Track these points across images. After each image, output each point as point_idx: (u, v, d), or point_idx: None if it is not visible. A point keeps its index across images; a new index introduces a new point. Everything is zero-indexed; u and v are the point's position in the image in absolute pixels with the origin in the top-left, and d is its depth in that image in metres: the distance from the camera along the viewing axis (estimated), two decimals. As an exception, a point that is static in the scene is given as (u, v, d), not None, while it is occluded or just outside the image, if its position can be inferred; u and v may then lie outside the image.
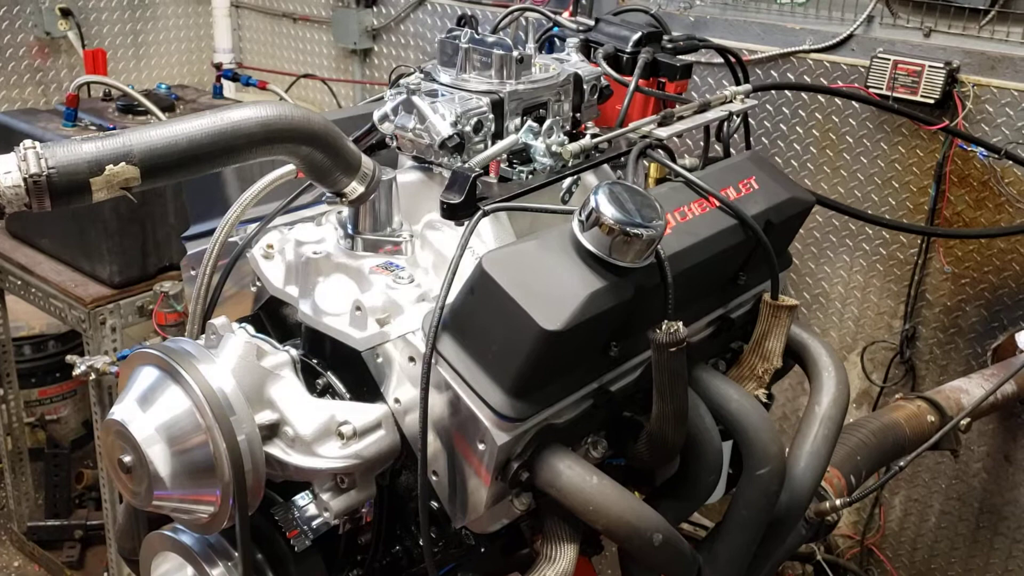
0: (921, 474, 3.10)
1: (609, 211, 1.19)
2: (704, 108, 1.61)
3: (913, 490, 3.14)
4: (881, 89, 2.74)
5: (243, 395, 1.23)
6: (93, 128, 2.91)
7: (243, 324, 1.36)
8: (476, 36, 1.45)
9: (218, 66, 3.84)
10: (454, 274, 1.21)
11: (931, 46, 2.73)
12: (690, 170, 1.48)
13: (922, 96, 2.69)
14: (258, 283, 1.49)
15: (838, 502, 1.85)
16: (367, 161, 1.35)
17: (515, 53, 1.43)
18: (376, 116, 1.46)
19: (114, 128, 2.85)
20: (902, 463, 1.96)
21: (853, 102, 2.88)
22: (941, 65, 2.65)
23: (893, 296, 2.99)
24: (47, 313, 2.99)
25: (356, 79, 3.99)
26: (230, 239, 1.50)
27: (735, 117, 1.65)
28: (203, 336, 1.34)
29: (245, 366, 1.26)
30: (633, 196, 1.22)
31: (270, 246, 1.48)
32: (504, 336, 1.17)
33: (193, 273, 1.58)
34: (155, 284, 2.83)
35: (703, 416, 1.40)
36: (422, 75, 1.53)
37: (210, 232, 1.53)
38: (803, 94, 2.96)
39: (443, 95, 1.44)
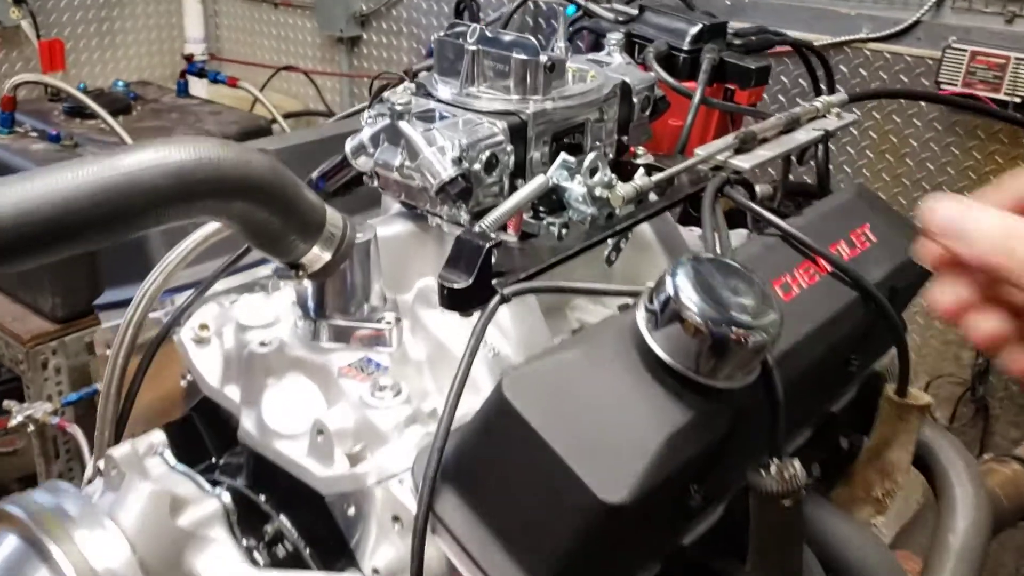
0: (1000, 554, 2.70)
1: (696, 302, 0.78)
2: (792, 126, 1.20)
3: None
4: (956, 85, 2.33)
5: (145, 574, 0.82)
6: (34, 135, 2.49)
7: (159, 450, 0.96)
8: (488, 34, 1.04)
9: (188, 58, 3.42)
10: (458, 395, 0.81)
11: (1016, 34, 2.31)
12: (769, 205, 1.07)
13: (1005, 94, 2.28)
14: (189, 376, 1.09)
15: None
16: (334, 216, 0.94)
17: (543, 58, 1.02)
18: (349, 147, 1.05)
19: (58, 135, 2.43)
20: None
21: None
22: (1033, 57, 2.24)
23: (962, 323, 2.59)
24: (-20, 351, 2.58)
25: (342, 71, 3.57)
26: (152, 314, 1.10)
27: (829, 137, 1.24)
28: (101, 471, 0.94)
29: (152, 527, 0.85)
30: (728, 276, 0.82)
31: (204, 326, 1.07)
32: (539, 505, 0.76)
33: (109, 353, 1.18)
34: (107, 316, 2.42)
35: (811, 569, 1.00)
36: (412, 87, 1.11)
37: (129, 302, 1.12)
38: (858, 89, 2.55)
39: (442, 117, 1.03)
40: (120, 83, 2.87)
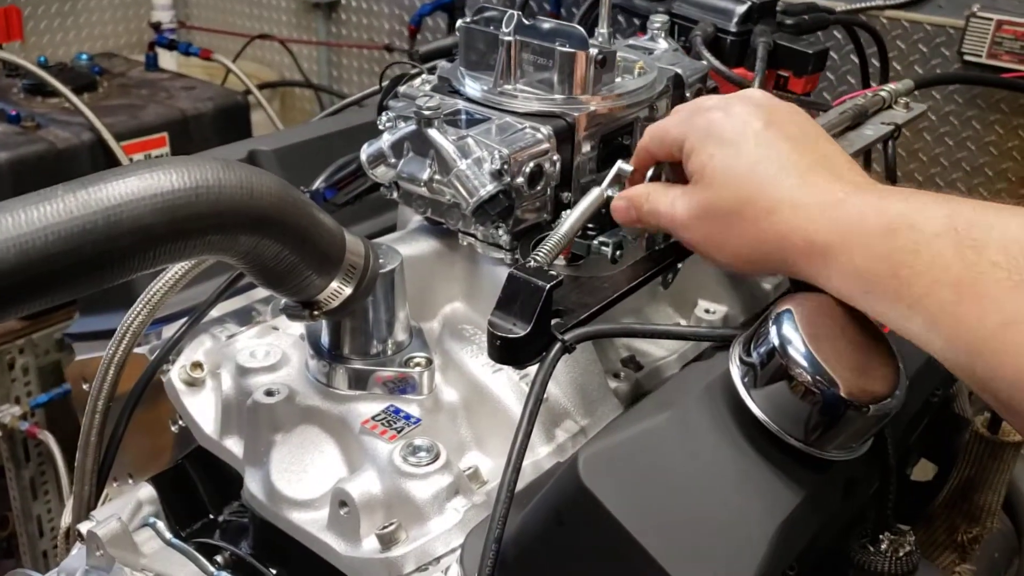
0: None
1: (807, 357, 0.64)
2: (860, 119, 1.06)
3: None
4: (980, 57, 2.20)
5: None
6: (-10, 115, 2.30)
7: (149, 519, 0.81)
8: (526, 22, 0.89)
9: (156, 26, 3.21)
10: (517, 469, 0.67)
11: (1045, 1, 2.19)
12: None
13: (1033, 65, 2.16)
14: (181, 421, 0.94)
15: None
16: (355, 244, 0.79)
17: (594, 50, 0.87)
18: (366, 155, 0.89)
19: (18, 115, 2.24)
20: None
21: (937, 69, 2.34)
22: (1062, 27, 2.11)
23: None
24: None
25: (320, 39, 3.38)
26: (136, 349, 0.94)
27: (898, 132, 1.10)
28: (79, 545, 0.79)
29: (148, 628, 0.71)
30: (839, 319, 0.68)
31: (197, 365, 0.92)
32: (626, 612, 0.63)
33: (86, 387, 1.03)
34: (77, 310, 2.24)
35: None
36: (432, 80, 0.96)
37: (107, 333, 0.97)
38: (875, 60, 2.41)
39: (472, 120, 0.88)
40: (84, 56, 2.66)
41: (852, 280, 0.62)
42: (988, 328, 0.54)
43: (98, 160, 2.21)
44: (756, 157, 0.68)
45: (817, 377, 0.64)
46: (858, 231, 0.61)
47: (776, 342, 0.66)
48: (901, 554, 0.72)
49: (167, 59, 2.94)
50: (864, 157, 1.55)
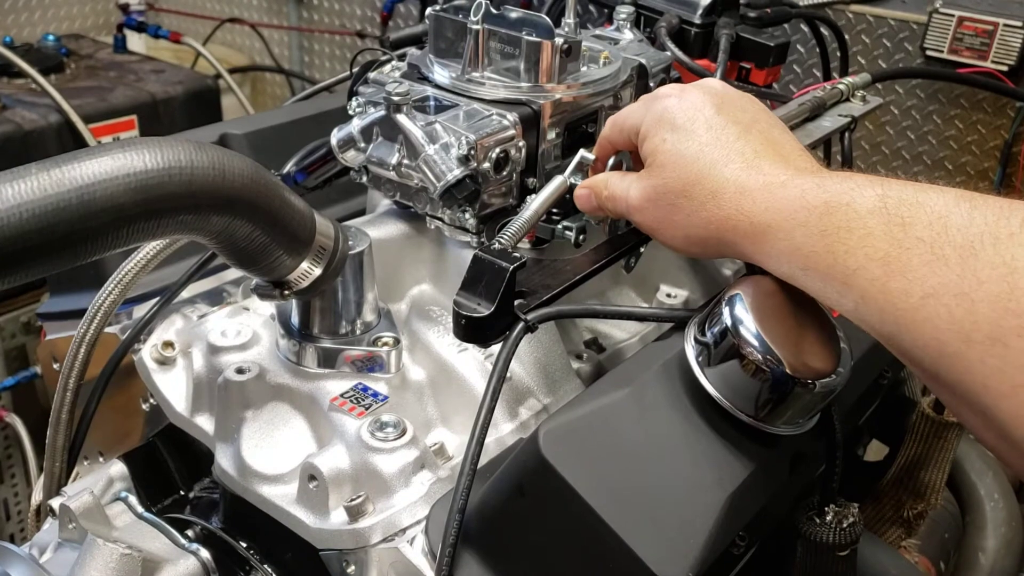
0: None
1: (757, 337, 0.68)
2: (818, 111, 1.10)
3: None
4: (941, 52, 2.25)
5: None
6: (-45, 96, 2.28)
7: (121, 493, 0.83)
8: (493, 11, 0.91)
9: (124, 7, 3.19)
10: (480, 443, 0.69)
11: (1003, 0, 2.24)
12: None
13: (993, 61, 2.21)
14: (152, 400, 0.96)
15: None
16: (325, 226, 0.81)
17: (559, 40, 0.89)
18: (336, 140, 0.91)
19: (-17, 96, 2.23)
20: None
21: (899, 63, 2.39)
22: (1020, 23, 2.16)
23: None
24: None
25: (291, 24, 3.37)
26: (107, 328, 0.96)
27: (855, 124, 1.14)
28: (51, 520, 0.81)
29: (120, 598, 0.73)
30: (789, 302, 0.72)
31: (168, 344, 0.94)
32: (583, 579, 0.66)
33: (56, 367, 1.04)
34: (44, 293, 2.24)
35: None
36: (402, 67, 0.98)
37: (78, 312, 0.98)
38: (838, 54, 2.45)
39: (441, 106, 0.90)
40: (50, 37, 2.65)
41: (791, 258, 0.64)
42: (911, 301, 0.57)
43: (66, 142, 2.20)
44: (705, 140, 0.70)
45: (767, 356, 0.67)
46: (797, 210, 0.63)
47: (728, 323, 0.69)
48: (845, 525, 0.75)
49: (136, 41, 2.92)
50: (824, 148, 1.59)
